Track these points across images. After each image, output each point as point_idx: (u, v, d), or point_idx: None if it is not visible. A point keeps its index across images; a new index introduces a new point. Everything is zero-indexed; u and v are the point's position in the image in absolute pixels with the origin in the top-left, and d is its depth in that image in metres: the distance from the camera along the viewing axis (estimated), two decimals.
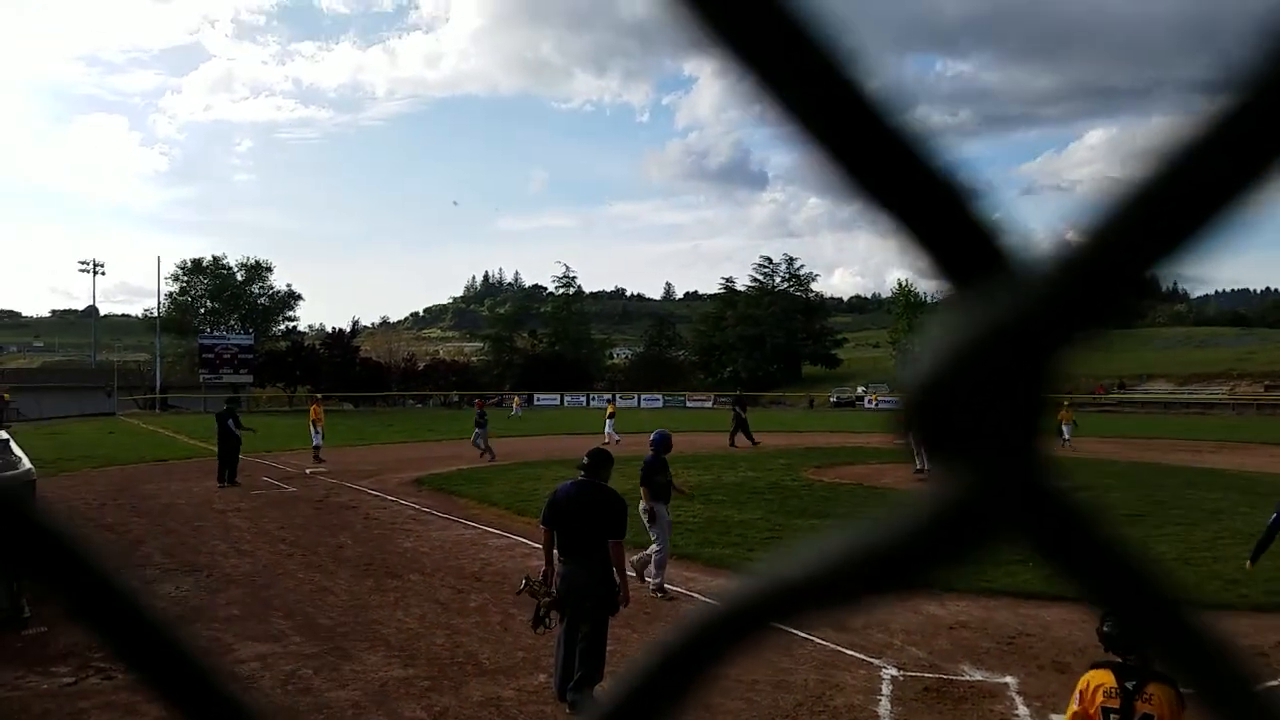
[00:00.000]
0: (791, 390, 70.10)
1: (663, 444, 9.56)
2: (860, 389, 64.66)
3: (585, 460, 6.26)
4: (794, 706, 5.85)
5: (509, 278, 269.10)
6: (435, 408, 59.88)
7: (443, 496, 15.56)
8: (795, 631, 7.43)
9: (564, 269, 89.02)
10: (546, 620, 6.04)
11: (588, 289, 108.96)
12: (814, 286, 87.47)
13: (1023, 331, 0.28)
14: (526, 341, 79.46)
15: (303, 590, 8.98)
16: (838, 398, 61.58)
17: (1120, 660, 4.34)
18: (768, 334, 78.00)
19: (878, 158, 0.28)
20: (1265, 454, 23.46)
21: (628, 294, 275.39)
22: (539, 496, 14.93)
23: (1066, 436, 23.97)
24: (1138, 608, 0.32)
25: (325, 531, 12.28)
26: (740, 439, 25.81)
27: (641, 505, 9.05)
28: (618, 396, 45.22)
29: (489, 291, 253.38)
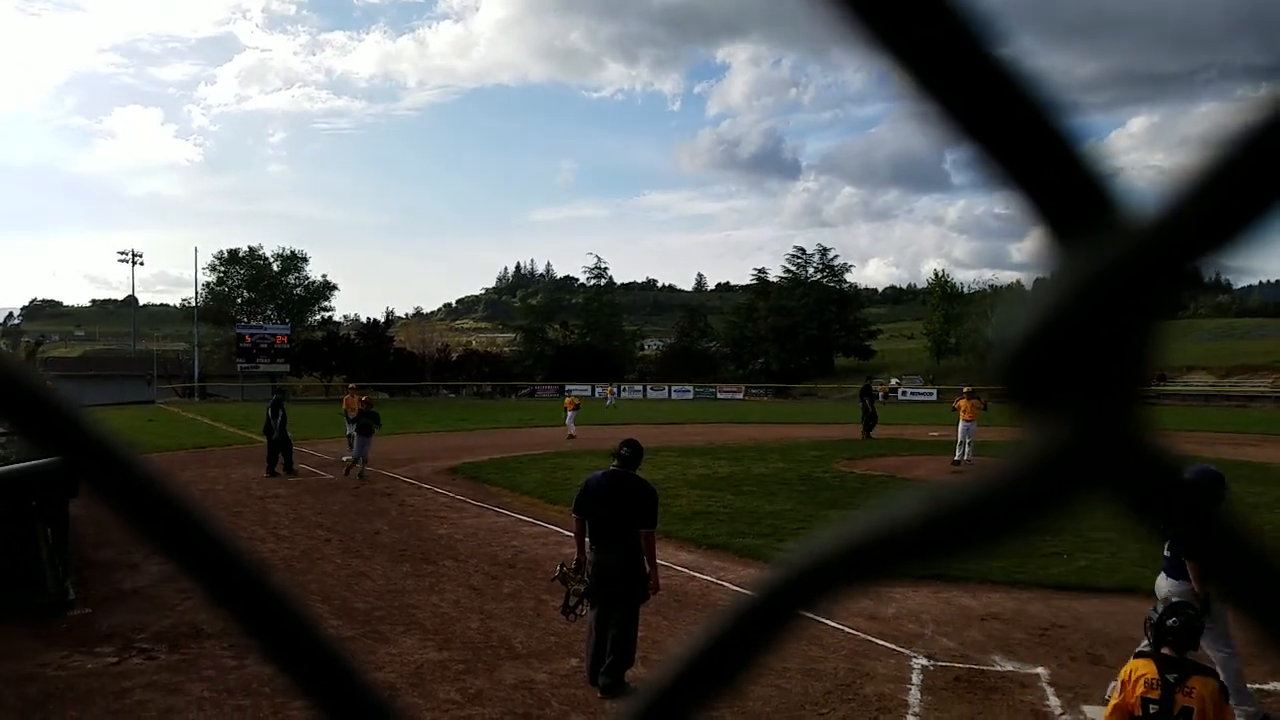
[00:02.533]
0: (824, 382, 69.59)
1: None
2: (894, 381, 64.04)
3: (621, 449, 6.31)
4: (824, 694, 5.86)
5: (540, 269, 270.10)
6: (468, 398, 60.39)
7: (476, 485, 15.73)
8: (826, 621, 7.43)
9: (595, 260, 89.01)
10: (578, 609, 6.15)
11: (619, 280, 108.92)
12: (848, 277, 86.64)
13: (1128, 281, 0.28)
14: (558, 333, 79.76)
15: (340, 575, 9.15)
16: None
17: (1165, 652, 4.30)
18: (800, 325, 77.47)
19: (982, 95, 0.27)
20: None
21: (659, 285, 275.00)
22: (571, 485, 15.05)
23: None
24: (1233, 565, 0.31)
25: (361, 518, 12.48)
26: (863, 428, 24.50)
27: None
28: (635, 387, 45.24)
29: (520, 282, 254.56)
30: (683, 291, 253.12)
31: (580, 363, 71.57)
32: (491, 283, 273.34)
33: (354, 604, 8.03)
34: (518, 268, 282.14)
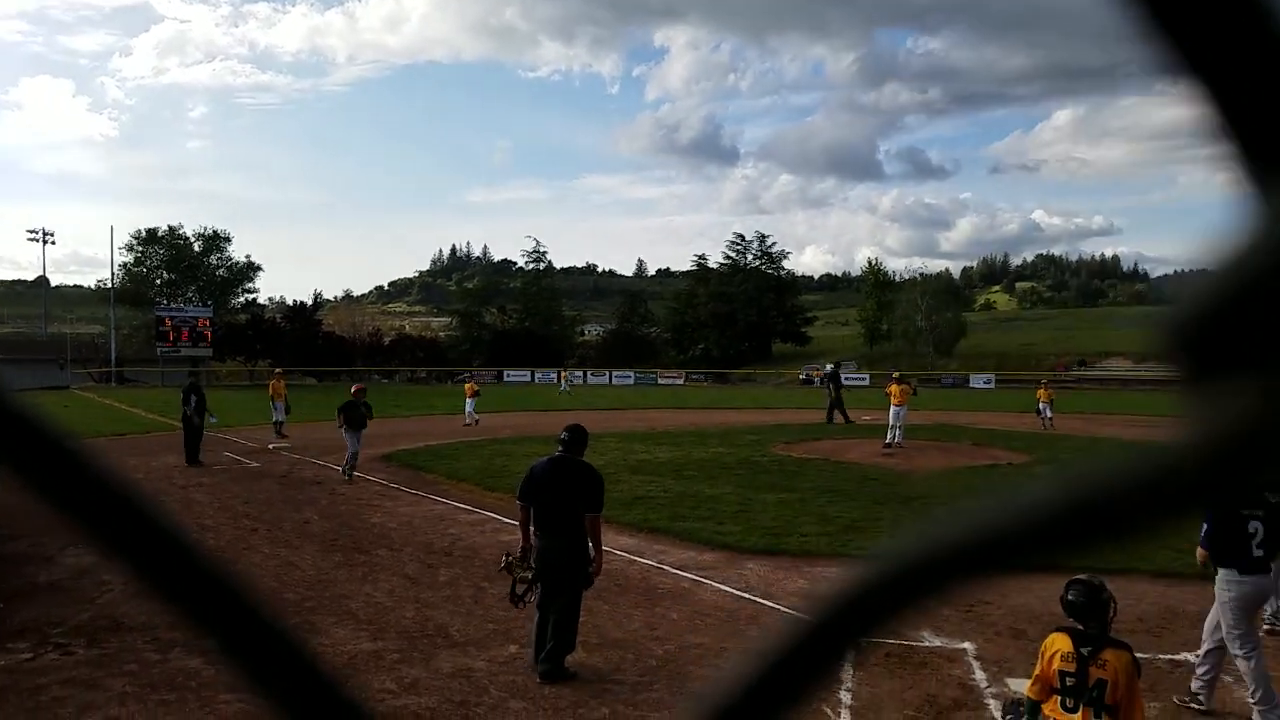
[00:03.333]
0: (762, 367, 70.51)
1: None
2: (829, 366, 65.15)
3: (564, 435, 6.26)
4: None
5: (477, 251, 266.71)
6: (402, 383, 59.39)
7: (411, 472, 15.48)
8: (763, 602, 7.55)
9: (534, 243, 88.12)
10: (526, 596, 6.14)
11: (558, 264, 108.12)
12: (786, 264, 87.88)
13: None
14: (495, 317, 78.92)
15: (268, 566, 8.91)
16: (807, 375, 62.06)
17: (1080, 627, 4.48)
18: (740, 311, 78.26)
19: (1202, 17, 0.24)
20: None
21: (599, 270, 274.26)
22: (510, 473, 15.00)
23: (1048, 415, 24.30)
24: None
25: (290, 507, 12.17)
26: (838, 414, 24.75)
27: None
28: (574, 371, 45.20)
29: (456, 265, 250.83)
30: (623, 276, 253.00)
31: (518, 348, 71.00)
32: (426, 265, 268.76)
33: (283, 594, 7.84)
34: (453, 250, 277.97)
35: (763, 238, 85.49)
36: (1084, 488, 0.28)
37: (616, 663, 6.12)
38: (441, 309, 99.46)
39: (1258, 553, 5.45)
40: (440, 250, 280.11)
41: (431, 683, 5.82)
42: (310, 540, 10.08)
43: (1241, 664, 5.28)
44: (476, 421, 24.88)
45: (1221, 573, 5.44)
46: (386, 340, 72.14)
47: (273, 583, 8.20)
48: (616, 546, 9.58)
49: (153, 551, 0.34)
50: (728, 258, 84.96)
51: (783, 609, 7.27)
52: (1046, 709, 4.37)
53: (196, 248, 62.83)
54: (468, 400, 25.96)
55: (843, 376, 26.63)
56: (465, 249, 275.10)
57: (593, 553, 6.04)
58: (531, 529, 6.09)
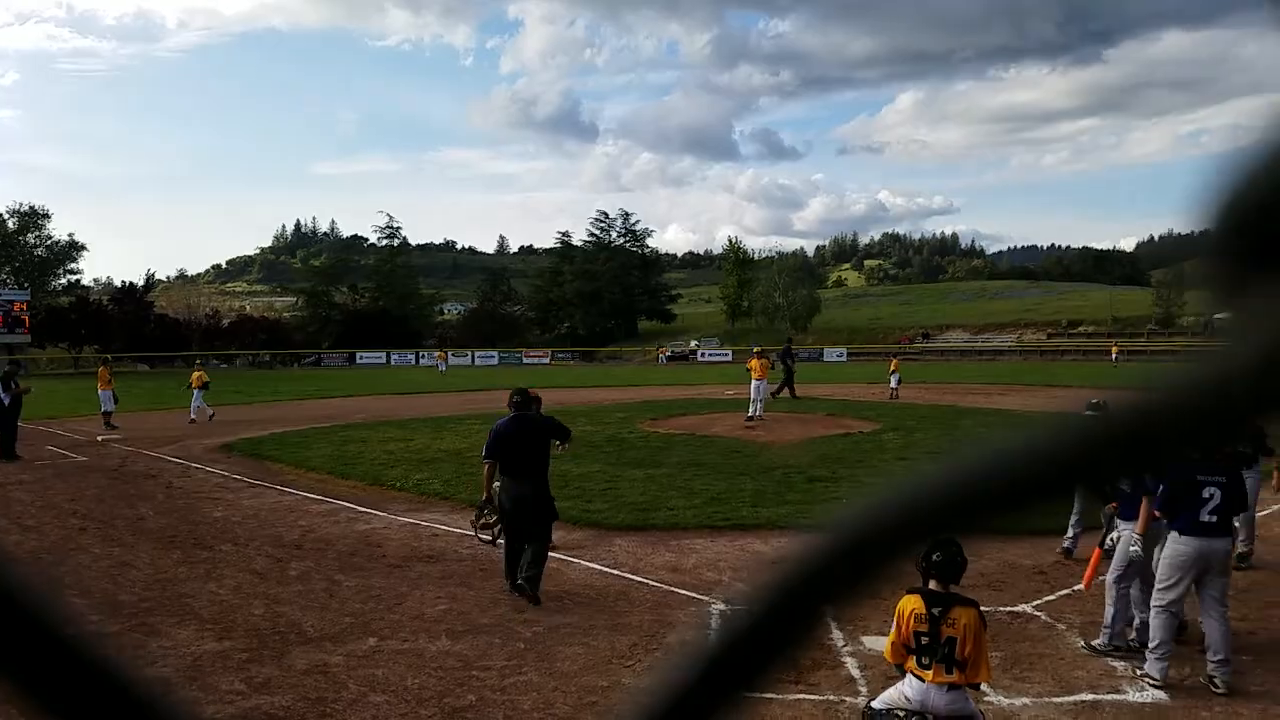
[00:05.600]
0: (628, 345, 71.09)
1: None
2: (694, 343, 66.48)
3: (516, 398, 7.25)
4: (629, 647, 5.97)
5: (324, 227, 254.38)
6: (243, 368, 56.10)
7: (255, 462, 14.60)
8: (631, 577, 7.58)
9: (387, 219, 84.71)
10: (496, 539, 7.66)
11: (414, 240, 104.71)
12: (649, 242, 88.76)
13: None
14: (346, 296, 75.66)
15: (100, 566, 8.18)
16: (673, 352, 63.12)
17: (930, 588, 4.72)
18: (605, 290, 78.44)
19: None
20: (1046, 395, 26.25)
21: (459, 247, 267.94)
22: (363, 458, 14.46)
23: (894, 385, 25.48)
24: None
25: (122, 503, 11.23)
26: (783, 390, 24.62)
27: None
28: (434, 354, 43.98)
29: (302, 242, 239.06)
30: (484, 254, 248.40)
31: (373, 328, 68.41)
32: (268, 242, 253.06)
33: (118, 596, 7.21)
34: (298, 226, 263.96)
35: (626, 215, 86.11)
36: (1121, 418, 0.25)
37: (483, 648, 5.99)
38: (286, 288, 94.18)
39: (1208, 518, 5.45)
40: (284, 226, 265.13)
41: (284, 681, 5.50)
42: (146, 537, 9.32)
43: (1151, 614, 5.37)
44: (211, 417, 20.34)
45: (1171, 532, 5.44)
46: (225, 322, 67.79)
47: (106, 585, 7.53)
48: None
49: None
50: (592, 235, 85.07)
51: (651, 583, 7.33)
52: (906, 667, 4.58)
53: (11, 225, 56.96)
54: (195, 391, 20.69)
55: (794, 353, 26.91)
56: (311, 224, 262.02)
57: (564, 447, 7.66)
58: (503, 479, 7.08)
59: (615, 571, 7.82)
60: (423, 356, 59.70)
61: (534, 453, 7.07)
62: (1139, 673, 5.24)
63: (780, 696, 5.17)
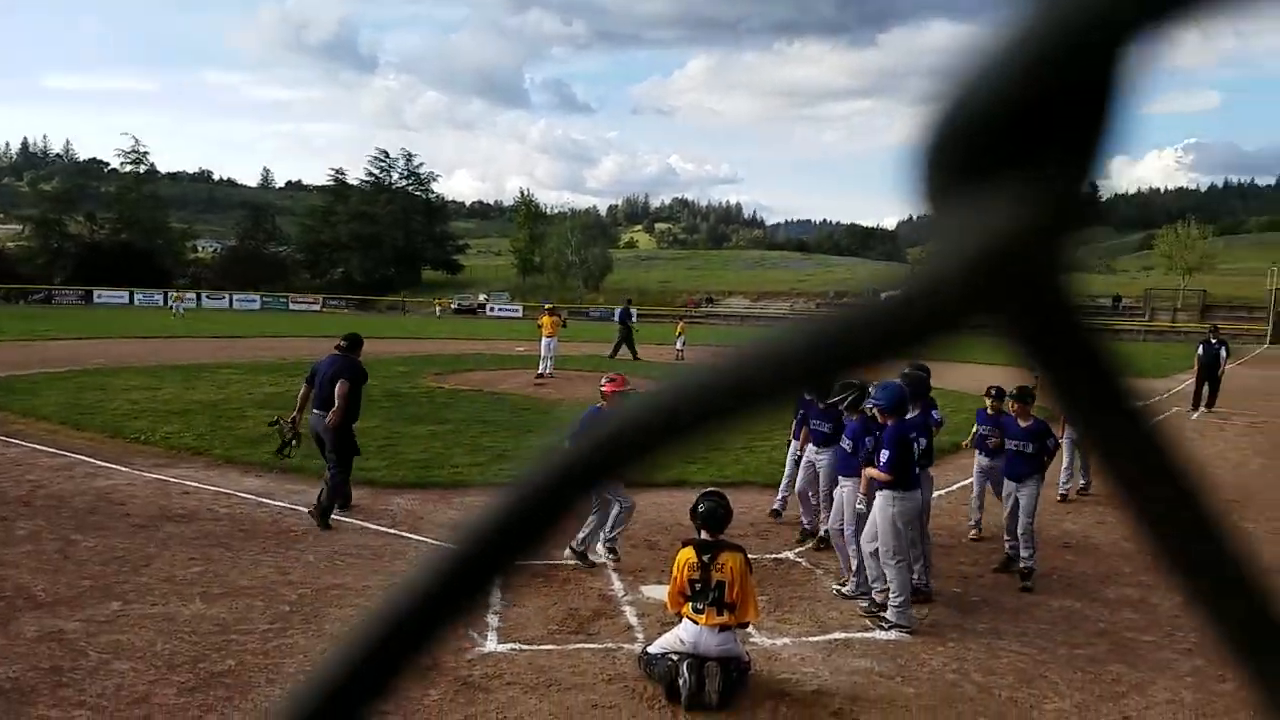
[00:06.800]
0: (411, 295, 68.29)
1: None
2: (482, 296, 65.09)
3: (343, 342, 8.00)
4: None
5: (57, 147, 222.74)
6: None
7: None
8: (409, 536, 7.39)
9: (132, 142, 75.00)
10: (288, 452, 8.15)
11: (164, 168, 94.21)
12: (435, 187, 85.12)
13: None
14: (83, 226, 66.75)
15: None
16: (459, 305, 61.48)
17: (702, 537, 5.01)
18: (385, 234, 74.56)
19: None
20: None
21: (216, 178, 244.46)
22: (104, 410, 12.96)
23: (680, 346, 26.40)
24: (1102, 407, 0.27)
25: None
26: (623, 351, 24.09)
27: None
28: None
29: (30, 163, 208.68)
30: (246, 187, 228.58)
31: (114, 263, 60.99)
32: None
33: None
34: (25, 145, 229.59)
35: (409, 156, 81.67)
36: (845, 320, 0.27)
37: (243, 611, 5.60)
38: (10, 214, 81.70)
39: (917, 470, 6.08)
40: (8, 144, 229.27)
41: (13, 650, 4.89)
42: None
43: (890, 571, 5.74)
44: None
45: (882, 494, 5.80)
46: None
47: None
48: (242, 489, 8.75)
49: None
50: (371, 175, 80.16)
51: (432, 542, 7.16)
52: (683, 613, 4.84)
53: None
54: None
55: (633, 313, 26.66)
56: (42, 144, 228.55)
57: (334, 418, 7.60)
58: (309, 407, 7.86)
59: (393, 531, 7.57)
60: (184, 298, 54.19)
61: (328, 389, 7.72)
62: (883, 615, 5.83)
63: (560, 646, 5.28)
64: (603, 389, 7.32)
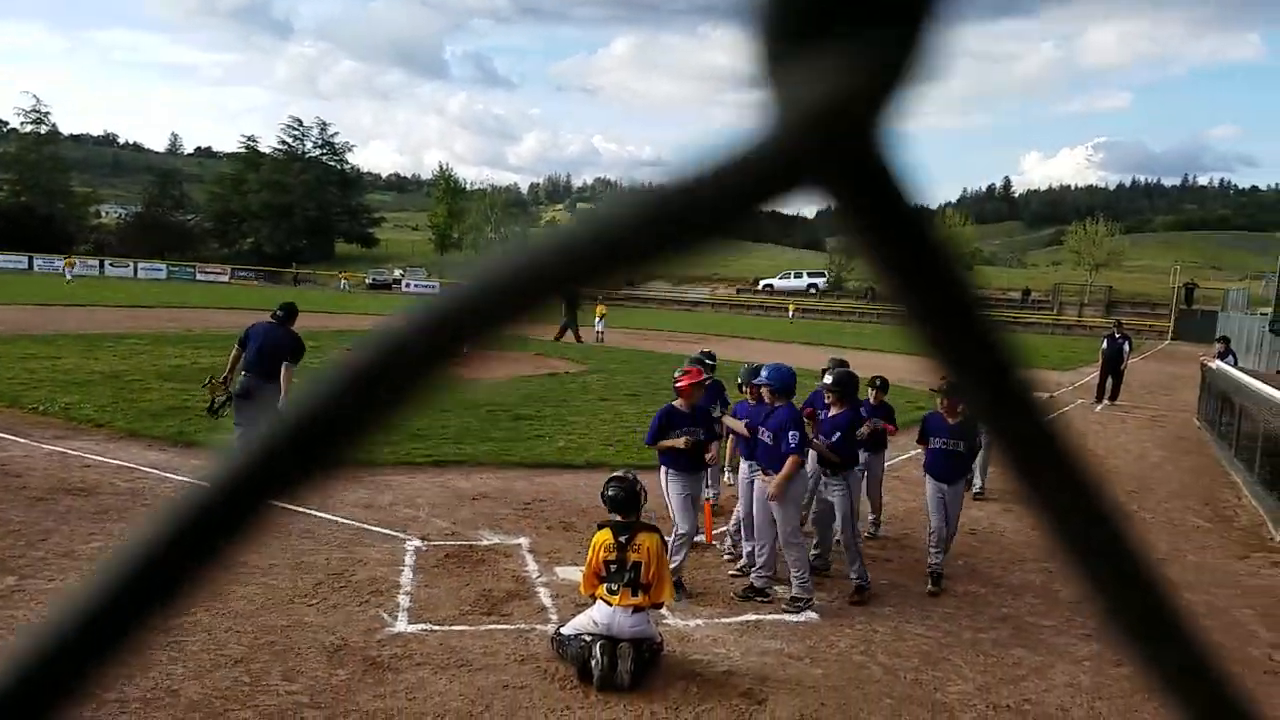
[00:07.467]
0: (323, 268, 66.21)
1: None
2: (399, 272, 63.52)
3: (280, 312, 8.20)
4: (314, 585, 5.68)
5: None
6: None
7: None
8: (315, 513, 7.19)
9: (33, 100, 70.67)
10: (220, 411, 8.28)
11: (66, 130, 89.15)
12: (350, 158, 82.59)
13: None
14: None
15: None
16: (374, 279, 59.88)
17: (618, 519, 5.02)
18: (297, 204, 72.04)
19: None
20: (733, 345, 28.62)
21: (122, 142, 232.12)
22: (0, 378, 12.15)
23: (600, 329, 26.35)
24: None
25: None
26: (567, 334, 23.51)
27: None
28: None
29: None
30: (153, 152, 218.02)
31: (11, 228, 57.43)
32: None
33: None
34: None
35: (324, 125, 79.05)
36: (673, 189, 0.26)
37: None
38: None
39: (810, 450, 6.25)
40: None
41: None
42: None
43: (791, 553, 5.84)
44: None
45: (767, 476, 5.88)
46: None
47: None
48: (144, 463, 8.39)
49: None
50: (283, 143, 77.20)
51: (340, 520, 6.96)
52: (597, 594, 4.84)
53: None
54: None
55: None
56: None
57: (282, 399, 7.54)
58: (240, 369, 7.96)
59: (297, 508, 7.35)
60: (75, 264, 51.33)
61: (271, 355, 7.96)
62: (790, 596, 5.94)
63: (472, 627, 5.22)
64: (678, 384, 6.43)
